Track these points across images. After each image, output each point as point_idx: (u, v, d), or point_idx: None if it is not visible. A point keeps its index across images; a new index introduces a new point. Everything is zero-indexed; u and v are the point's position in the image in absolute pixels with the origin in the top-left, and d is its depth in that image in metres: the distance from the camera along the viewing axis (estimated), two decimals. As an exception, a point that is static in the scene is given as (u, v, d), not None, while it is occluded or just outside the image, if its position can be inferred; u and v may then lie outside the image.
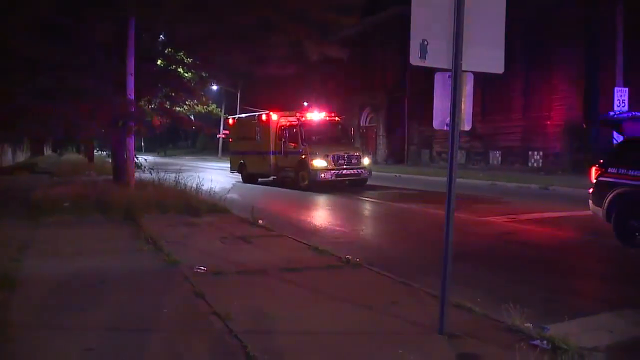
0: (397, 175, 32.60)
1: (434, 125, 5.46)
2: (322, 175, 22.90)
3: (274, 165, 25.82)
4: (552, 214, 15.44)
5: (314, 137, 24.37)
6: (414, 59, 5.17)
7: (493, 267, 9.37)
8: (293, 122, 24.99)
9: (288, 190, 23.54)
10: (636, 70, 25.07)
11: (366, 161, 24.37)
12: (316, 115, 25.85)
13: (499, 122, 36.95)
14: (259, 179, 27.81)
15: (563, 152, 32.82)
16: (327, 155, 23.18)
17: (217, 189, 16.35)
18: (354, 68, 48.18)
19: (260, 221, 12.40)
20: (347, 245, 10.26)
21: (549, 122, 33.83)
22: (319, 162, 23.04)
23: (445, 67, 5.24)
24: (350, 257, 8.75)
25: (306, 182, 23.28)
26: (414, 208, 17.18)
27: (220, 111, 59.02)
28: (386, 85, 47.86)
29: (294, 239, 10.69)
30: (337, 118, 26.68)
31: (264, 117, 26.78)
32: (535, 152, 35.24)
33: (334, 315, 6.11)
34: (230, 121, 32.07)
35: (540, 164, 34.56)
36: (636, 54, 25.52)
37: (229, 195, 15.48)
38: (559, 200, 18.74)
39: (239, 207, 14.71)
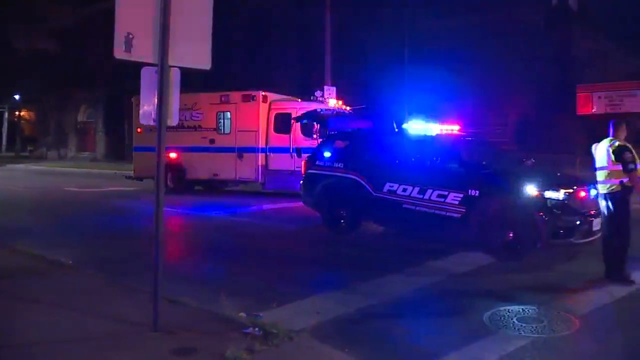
0: (117, 172, 31.52)
1: (140, 121, 5.38)
2: None
3: (263, 167, 18.68)
4: (267, 205, 16.16)
5: None
6: (119, 52, 5.03)
7: (212, 260, 9.52)
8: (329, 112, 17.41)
9: None
10: (342, 70, 27.18)
11: None
12: (333, 103, 19.10)
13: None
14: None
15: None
16: None
17: None
18: (70, 61, 45.64)
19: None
20: (59, 246, 9.67)
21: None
22: None
23: (151, 61, 5.18)
24: (62, 259, 8.26)
25: None
26: (133, 206, 16.75)
27: None
28: (105, 80, 46.03)
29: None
30: (348, 108, 19.49)
31: (245, 97, 19.09)
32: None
33: (46, 323, 5.70)
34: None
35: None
36: (343, 55, 27.68)
37: None
38: (274, 193, 19.49)
39: None
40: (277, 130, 18.21)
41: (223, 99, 19.49)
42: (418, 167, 10.69)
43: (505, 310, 6.49)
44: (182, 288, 6.75)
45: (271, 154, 18.42)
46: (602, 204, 8.05)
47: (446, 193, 9.81)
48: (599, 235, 8.49)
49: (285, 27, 33.74)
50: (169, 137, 17.60)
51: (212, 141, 19.46)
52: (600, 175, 8.01)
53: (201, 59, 5.47)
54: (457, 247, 9.95)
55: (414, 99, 25.62)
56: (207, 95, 19.99)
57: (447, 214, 9.79)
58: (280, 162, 18.27)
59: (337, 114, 12.72)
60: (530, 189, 9.10)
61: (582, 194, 9.18)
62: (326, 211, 11.70)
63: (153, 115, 5.18)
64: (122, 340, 5.25)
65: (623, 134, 8.02)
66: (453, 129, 11.84)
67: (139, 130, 21.32)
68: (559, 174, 11.15)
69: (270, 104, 18.65)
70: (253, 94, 18.74)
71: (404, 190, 10.35)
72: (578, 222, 8.90)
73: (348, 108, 19.24)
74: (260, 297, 6.98)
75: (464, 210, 9.59)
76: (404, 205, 10.32)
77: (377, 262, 9.30)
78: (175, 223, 12.28)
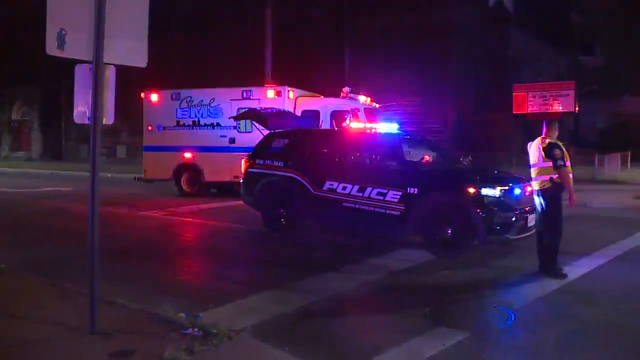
0: (53, 172, 30.80)
1: (74, 119, 5.24)
2: None
3: None
4: (208, 205, 16.01)
5: None
6: (51, 49, 4.88)
7: (151, 260, 9.37)
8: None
9: None
10: (282, 71, 27.22)
11: None
12: (363, 99, 17.81)
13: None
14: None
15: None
16: None
17: None
18: (1, 57, 44.19)
19: None
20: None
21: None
22: None
23: (86, 59, 5.05)
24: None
25: None
26: (69, 207, 16.30)
27: None
28: (40, 76, 44.75)
29: None
30: (378, 105, 18.69)
31: (272, 93, 17.29)
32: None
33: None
34: (155, 97, 19.28)
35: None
36: (282, 56, 27.71)
37: None
38: (215, 192, 19.31)
39: None
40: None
41: (245, 94, 17.77)
42: (358, 165, 10.77)
43: (443, 305, 6.61)
44: (119, 289, 6.62)
45: None
46: (536, 200, 8.31)
47: (385, 191, 9.88)
48: (534, 231, 8.72)
49: (224, 21, 33.62)
50: (185, 136, 16.89)
51: (232, 140, 17.74)
52: (533, 172, 8.26)
53: (137, 57, 5.35)
54: (396, 244, 10.08)
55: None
56: (227, 90, 18.42)
57: (387, 211, 9.86)
58: None
59: (277, 114, 12.65)
60: (468, 187, 9.26)
61: (518, 191, 9.39)
62: (266, 210, 11.65)
63: (88, 114, 5.07)
64: (58, 344, 5.13)
65: (555, 132, 8.30)
66: (392, 127, 11.95)
67: (149, 127, 19.25)
68: (495, 172, 11.39)
69: (295, 100, 17.33)
70: (279, 90, 17.29)
71: (344, 188, 10.37)
72: (514, 219, 9.09)
73: (377, 105, 18.62)
74: (199, 297, 6.94)
75: (403, 207, 9.67)
76: (344, 204, 10.35)
77: (317, 260, 9.32)
78: (113, 223, 12.03)
